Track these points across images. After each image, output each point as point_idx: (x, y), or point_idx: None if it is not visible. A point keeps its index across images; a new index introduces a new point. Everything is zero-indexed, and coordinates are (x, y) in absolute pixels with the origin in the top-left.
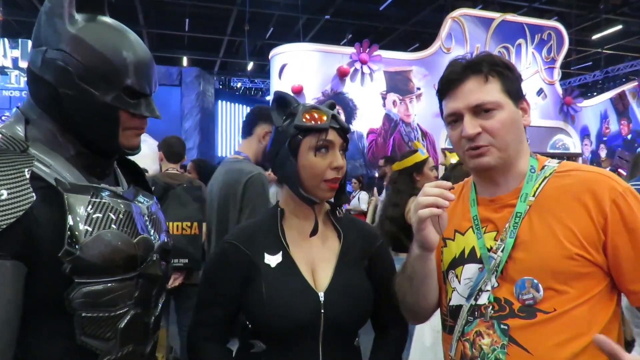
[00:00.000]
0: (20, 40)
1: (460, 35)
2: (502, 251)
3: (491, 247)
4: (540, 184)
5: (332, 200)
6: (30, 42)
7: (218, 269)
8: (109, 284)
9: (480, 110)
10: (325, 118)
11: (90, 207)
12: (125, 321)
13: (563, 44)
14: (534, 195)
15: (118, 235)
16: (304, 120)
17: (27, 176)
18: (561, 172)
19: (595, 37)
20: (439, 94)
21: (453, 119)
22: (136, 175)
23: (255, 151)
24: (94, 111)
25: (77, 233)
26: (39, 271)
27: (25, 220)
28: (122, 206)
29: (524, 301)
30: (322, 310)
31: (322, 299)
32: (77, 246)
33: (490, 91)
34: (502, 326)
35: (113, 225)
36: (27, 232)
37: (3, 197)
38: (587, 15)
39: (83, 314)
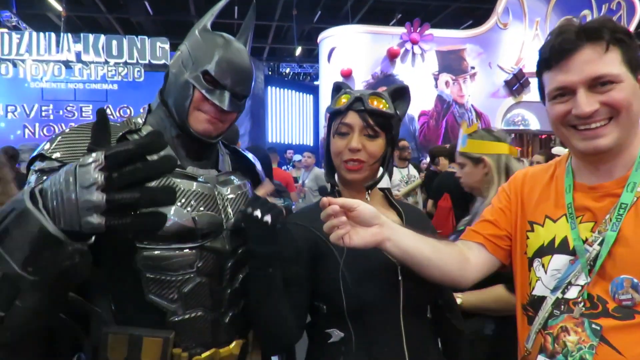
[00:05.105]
0: (82, 34)
1: (519, 9)
2: (599, 244)
3: (586, 239)
4: None
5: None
6: (91, 36)
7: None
8: (167, 252)
9: (597, 84)
10: (344, 101)
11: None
12: (189, 287)
13: (634, 15)
14: None
15: (176, 210)
16: (332, 105)
17: (118, 136)
18: None
19: None
20: (542, 64)
21: (559, 93)
22: (251, 168)
23: None
24: (177, 85)
25: None
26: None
27: None
28: (187, 185)
29: (620, 301)
30: (400, 278)
31: (399, 267)
32: None
33: (611, 62)
34: (593, 326)
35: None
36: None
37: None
38: None
39: (147, 275)
